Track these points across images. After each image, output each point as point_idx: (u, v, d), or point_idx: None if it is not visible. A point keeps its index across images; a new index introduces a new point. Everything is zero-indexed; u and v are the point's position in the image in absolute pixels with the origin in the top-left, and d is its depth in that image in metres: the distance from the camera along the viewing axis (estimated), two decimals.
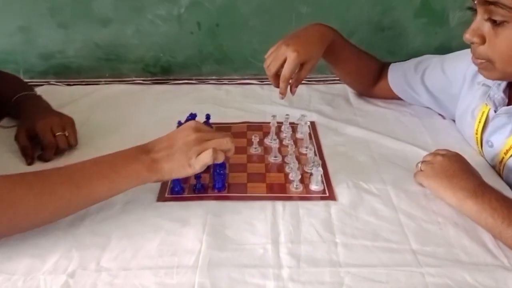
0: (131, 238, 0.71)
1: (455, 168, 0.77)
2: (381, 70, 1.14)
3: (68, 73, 1.32)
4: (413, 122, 1.07)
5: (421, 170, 0.81)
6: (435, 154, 0.82)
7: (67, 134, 0.93)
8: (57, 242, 0.70)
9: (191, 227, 0.73)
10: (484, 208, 0.70)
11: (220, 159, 0.75)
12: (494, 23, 0.76)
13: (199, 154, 0.73)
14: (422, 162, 0.82)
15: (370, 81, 1.14)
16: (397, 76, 1.10)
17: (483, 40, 0.79)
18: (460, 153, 0.82)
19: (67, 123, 0.94)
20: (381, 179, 0.85)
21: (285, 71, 0.96)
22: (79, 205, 0.71)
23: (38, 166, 0.89)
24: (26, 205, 0.65)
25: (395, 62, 1.14)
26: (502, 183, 0.84)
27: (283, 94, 0.99)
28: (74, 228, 0.72)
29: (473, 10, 0.80)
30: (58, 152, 0.92)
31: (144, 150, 0.74)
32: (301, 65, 0.98)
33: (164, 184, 0.83)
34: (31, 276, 0.64)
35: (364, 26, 1.29)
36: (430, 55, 1.10)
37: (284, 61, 0.96)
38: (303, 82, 1.05)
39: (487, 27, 0.78)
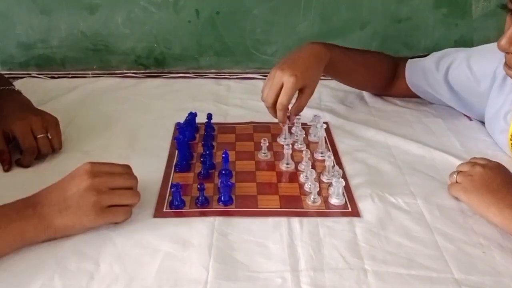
0: (124, 264, 0.61)
1: (499, 181, 0.68)
2: (396, 68, 1.05)
3: (51, 64, 1.23)
4: (437, 124, 0.99)
5: (457, 182, 0.72)
6: (473, 163, 0.73)
7: (50, 137, 0.83)
8: (38, 267, 0.60)
9: (194, 250, 0.63)
10: None
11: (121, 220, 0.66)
12: None
13: (98, 205, 0.63)
14: (458, 172, 0.73)
15: (383, 84, 1.05)
16: (416, 75, 1.01)
17: None
18: (496, 160, 0.73)
19: (50, 123, 0.84)
20: (410, 191, 0.76)
21: (282, 99, 0.84)
22: None
23: (17, 172, 0.80)
24: None
25: (412, 57, 1.05)
26: None
27: (282, 123, 0.88)
28: (57, 249, 0.63)
29: (508, 11, 0.71)
30: (40, 156, 0.82)
31: (30, 204, 0.63)
32: (300, 91, 0.87)
33: (161, 197, 0.73)
34: None
35: (378, 16, 1.21)
36: (452, 48, 1.01)
37: (281, 89, 0.85)
38: None
39: None
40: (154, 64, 1.24)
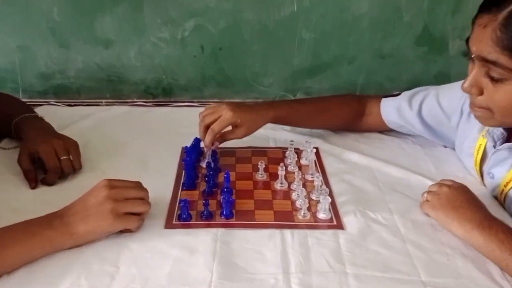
0: (140, 266, 0.71)
1: (462, 199, 0.79)
2: (365, 107, 1.13)
3: (68, 93, 1.34)
4: (415, 150, 1.09)
5: (427, 201, 0.83)
6: (440, 184, 0.84)
7: (71, 158, 0.93)
8: (67, 269, 0.70)
9: (200, 255, 0.74)
10: (491, 240, 0.72)
11: (134, 226, 0.76)
12: (493, 79, 0.77)
13: (115, 212, 0.73)
14: (428, 192, 0.84)
15: (349, 122, 1.13)
16: (391, 112, 1.10)
17: (481, 92, 0.80)
18: (462, 182, 0.84)
19: (71, 146, 0.95)
20: (388, 208, 0.87)
21: (215, 125, 0.96)
22: None
23: (42, 190, 0.90)
24: None
25: (384, 96, 1.13)
26: (504, 213, 0.86)
27: (207, 147, 0.98)
28: (82, 254, 0.73)
29: (470, 58, 0.81)
30: (62, 176, 0.92)
31: (58, 215, 0.74)
32: (235, 127, 0.99)
33: (171, 211, 0.83)
34: None
35: (364, 52, 1.32)
36: (421, 87, 1.10)
37: (219, 118, 0.97)
38: None
39: (486, 80, 0.78)
40: (162, 93, 1.35)
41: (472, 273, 0.72)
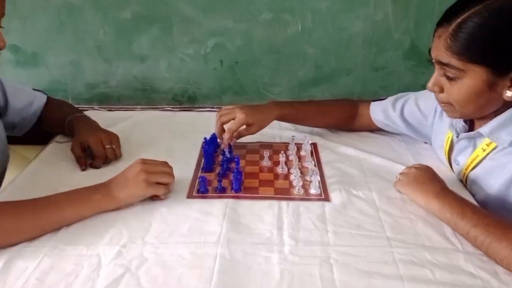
0: (167, 223, 0.91)
1: (425, 177, 0.97)
2: (357, 110, 1.29)
3: (109, 100, 1.56)
4: (399, 146, 1.26)
5: (399, 180, 1.01)
6: (410, 167, 1.01)
7: (114, 147, 1.13)
8: (110, 224, 0.89)
9: (213, 217, 0.93)
10: (445, 206, 0.89)
11: (161, 193, 0.96)
12: (449, 78, 0.94)
13: (146, 181, 0.92)
14: (401, 173, 1.02)
15: (344, 123, 1.30)
16: (378, 114, 1.27)
17: (442, 90, 0.97)
18: (436, 170, 1.00)
19: (114, 138, 1.16)
20: (368, 187, 1.04)
21: (232, 125, 1.14)
22: (54, 226, 0.87)
23: (90, 172, 1.10)
24: (10, 227, 0.83)
25: (373, 100, 1.31)
26: (466, 192, 1.02)
27: (224, 145, 1.15)
28: (123, 214, 0.92)
29: (432, 63, 0.98)
30: (106, 161, 1.12)
31: (104, 185, 0.93)
32: (248, 125, 1.17)
33: (192, 186, 1.03)
34: (93, 247, 0.83)
35: (360, 65, 1.51)
36: (403, 93, 1.27)
37: (233, 119, 1.16)
38: None
39: (444, 80, 0.96)
40: (187, 100, 1.56)
41: (428, 232, 0.88)
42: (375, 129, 1.32)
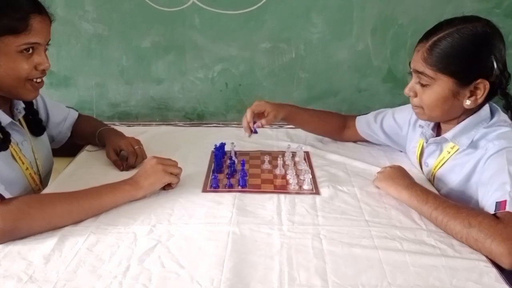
0: (187, 210, 1.07)
1: (397, 174, 1.15)
2: (345, 122, 1.48)
3: (128, 117, 1.74)
4: (379, 153, 1.44)
5: (377, 177, 1.19)
6: (385, 167, 1.20)
7: (141, 147, 1.31)
8: (140, 211, 1.06)
9: (224, 205, 1.10)
10: (413, 196, 1.07)
11: (175, 181, 1.14)
12: (422, 84, 1.14)
13: (164, 170, 1.10)
14: (378, 172, 1.20)
15: (335, 132, 1.49)
16: (363, 125, 1.46)
17: (416, 95, 1.16)
18: (407, 170, 1.18)
19: (138, 142, 1.34)
20: (352, 184, 1.22)
21: (253, 107, 1.37)
22: (95, 211, 1.02)
23: (119, 174, 1.26)
24: (61, 211, 0.98)
25: (359, 114, 1.49)
26: (430, 186, 1.20)
27: (252, 128, 1.36)
28: (149, 204, 1.09)
29: (411, 73, 1.19)
30: (137, 161, 1.28)
31: (131, 178, 1.10)
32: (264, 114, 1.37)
33: (206, 183, 1.20)
34: (128, 226, 1.00)
35: (346, 87, 1.70)
36: (383, 108, 1.46)
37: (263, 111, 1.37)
38: None
39: (418, 86, 1.15)
40: (196, 118, 1.74)
41: (400, 217, 1.05)
42: (359, 140, 1.50)
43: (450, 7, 1.59)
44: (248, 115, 1.37)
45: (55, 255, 0.91)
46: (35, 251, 0.92)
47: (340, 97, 1.71)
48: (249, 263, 0.89)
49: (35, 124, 1.26)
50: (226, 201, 1.12)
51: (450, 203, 1.01)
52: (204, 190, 1.18)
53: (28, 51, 1.04)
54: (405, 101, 1.66)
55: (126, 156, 1.30)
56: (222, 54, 1.65)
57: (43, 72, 1.10)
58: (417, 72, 1.12)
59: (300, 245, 0.95)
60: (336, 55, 1.66)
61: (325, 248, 0.94)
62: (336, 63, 1.67)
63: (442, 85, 1.09)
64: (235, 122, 1.73)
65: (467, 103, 1.09)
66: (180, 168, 1.16)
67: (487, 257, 0.91)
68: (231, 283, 0.83)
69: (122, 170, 1.27)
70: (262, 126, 1.38)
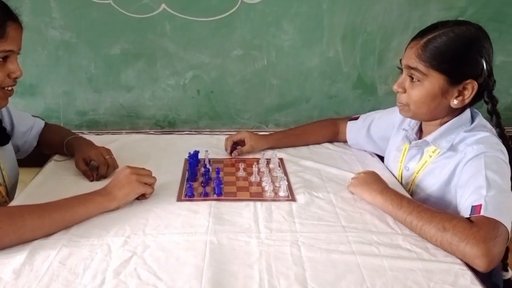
0: (162, 220, 1.05)
1: (371, 179, 1.16)
2: (337, 128, 1.53)
3: (97, 126, 1.70)
4: (352, 159, 1.46)
5: (351, 183, 1.20)
6: (359, 173, 1.21)
7: (112, 157, 1.28)
8: (114, 222, 1.03)
9: (201, 214, 1.08)
10: (387, 200, 1.08)
11: (149, 191, 1.12)
12: (412, 80, 1.14)
13: (138, 180, 1.08)
14: (352, 178, 1.22)
15: (328, 139, 1.55)
16: (352, 132, 1.50)
17: (404, 90, 1.17)
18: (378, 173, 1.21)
19: (109, 151, 1.30)
20: (326, 190, 1.22)
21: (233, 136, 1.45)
22: (66, 224, 0.99)
23: (90, 184, 1.22)
24: (32, 224, 0.94)
25: (351, 118, 1.52)
26: (403, 190, 1.21)
27: (230, 152, 1.43)
28: (123, 214, 1.06)
29: (401, 70, 1.19)
30: (108, 171, 1.25)
31: (103, 189, 1.07)
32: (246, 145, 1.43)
33: (180, 191, 1.19)
34: (101, 238, 0.97)
35: (317, 94, 1.71)
36: (372, 112, 1.49)
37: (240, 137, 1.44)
38: None
39: (408, 82, 1.15)
40: (168, 125, 1.71)
41: (375, 222, 1.07)
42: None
43: (416, 15, 1.63)
44: (228, 144, 1.43)
45: (25, 269, 0.87)
46: (4, 266, 0.88)
47: (311, 104, 1.73)
48: (228, 272, 0.88)
49: (0, 133, 1.21)
50: (202, 209, 1.11)
51: (424, 207, 1.03)
52: (179, 199, 1.16)
53: (3, 59, 1.02)
54: (374, 107, 1.72)
55: (96, 166, 1.26)
56: (194, 61, 1.64)
57: (15, 80, 1.07)
58: (410, 68, 1.13)
59: (279, 252, 0.94)
60: (307, 62, 1.67)
61: (303, 255, 0.94)
62: (307, 69, 1.68)
63: (433, 81, 1.11)
64: (207, 130, 1.72)
65: (454, 102, 1.12)
66: (154, 178, 1.14)
67: (461, 260, 0.93)
68: None
69: (92, 181, 1.23)
70: (239, 155, 1.42)
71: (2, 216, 0.93)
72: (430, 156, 1.19)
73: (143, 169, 1.14)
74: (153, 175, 1.16)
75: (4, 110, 1.29)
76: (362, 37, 1.64)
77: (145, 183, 1.11)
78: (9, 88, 1.08)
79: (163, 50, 1.61)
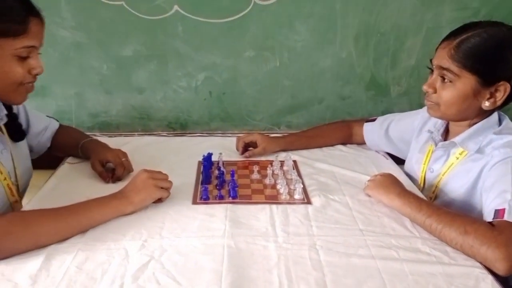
0: (178, 223, 1.05)
1: (388, 181, 1.15)
2: (350, 130, 1.53)
3: (109, 128, 1.69)
4: (366, 161, 1.45)
5: (368, 185, 1.19)
6: (376, 175, 1.20)
7: (128, 160, 1.28)
8: (130, 225, 1.03)
9: (217, 217, 1.08)
10: (405, 203, 1.07)
11: (165, 196, 1.12)
12: (443, 81, 1.12)
13: (155, 185, 1.08)
14: (368, 180, 1.20)
15: (341, 141, 1.54)
16: (370, 134, 1.48)
17: (435, 91, 1.14)
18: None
19: (125, 154, 1.30)
20: (342, 193, 1.21)
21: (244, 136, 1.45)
22: (82, 228, 0.99)
23: (104, 186, 1.22)
24: (47, 229, 0.95)
25: (367, 120, 1.51)
26: (420, 193, 1.20)
27: (241, 153, 1.44)
28: (139, 218, 1.06)
29: (431, 70, 1.17)
30: (124, 173, 1.25)
31: (120, 192, 1.07)
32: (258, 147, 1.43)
33: (195, 194, 1.18)
34: (118, 242, 0.97)
35: (330, 95, 1.70)
36: (390, 114, 1.48)
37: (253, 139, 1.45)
38: None
39: (439, 82, 1.13)
40: (179, 127, 1.71)
41: (393, 225, 1.06)
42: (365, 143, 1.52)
43: (429, 16, 1.62)
44: (239, 144, 1.44)
45: (42, 275, 0.87)
46: (20, 271, 0.88)
47: (324, 105, 1.72)
48: (248, 277, 0.87)
49: (16, 129, 1.20)
50: (218, 213, 1.10)
51: (444, 210, 1.02)
52: (194, 202, 1.15)
53: (24, 54, 1.01)
54: (387, 108, 1.72)
55: (112, 168, 1.26)
56: (206, 63, 1.63)
57: (35, 77, 1.07)
58: (442, 68, 1.12)
59: (297, 256, 0.94)
60: (320, 63, 1.66)
61: (322, 259, 0.93)
62: (319, 71, 1.67)
63: (465, 82, 1.09)
64: (219, 132, 1.71)
65: (486, 104, 1.10)
66: (170, 182, 1.14)
67: (481, 263, 0.91)
68: None
69: (108, 182, 1.23)
70: (249, 157, 1.42)
71: (17, 221, 0.93)
72: (457, 158, 1.17)
73: (160, 172, 1.14)
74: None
75: (20, 107, 1.28)
76: (375, 37, 1.63)
77: (162, 188, 1.10)
78: (30, 84, 1.07)
79: (175, 52, 1.60)
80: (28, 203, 1.16)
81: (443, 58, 1.11)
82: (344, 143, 1.55)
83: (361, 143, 1.54)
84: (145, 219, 1.06)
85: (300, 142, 1.50)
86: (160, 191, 1.10)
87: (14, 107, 1.23)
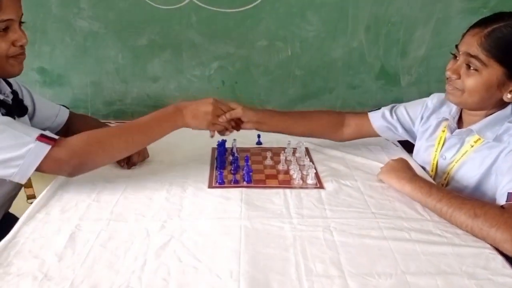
0: (196, 206, 1.08)
1: (400, 166, 1.17)
2: (341, 120, 1.41)
3: (124, 116, 1.72)
4: (376, 149, 1.46)
5: (381, 170, 1.21)
6: (389, 160, 1.22)
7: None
8: (149, 208, 1.06)
9: (233, 200, 1.10)
10: (416, 188, 1.09)
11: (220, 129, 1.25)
12: (468, 68, 1.09)
13: (211, 121, 1.20)
14: (382, 167, 1.22)
15: (329, 133, 1.42)
16: (379, 120, 1.41)
17: (459, 77, 1.11)
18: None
19: None
20: (354, 178, 1.24)
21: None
22: (146, 143, 1.16)
23: (124, 171, 1.26)
24: (118, 146, 1.10)
25: (370, 110, 1.47)
26: (430, 178, 1.22)
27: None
28: (157, 200, 1.09)
29: (454, 56, 1.14)
30: (139, 159, 1.28)
31: (180, 110, 1.18)
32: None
33: (211, 179, 1.21)
34: (139, 223, 1.00)
35: (340, 84, 1.72)
36: (395, 103, 1.44)
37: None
38: None
39: (463, 69, 1.10)
40: None
41: (404, 209, 1.08)
42: (357, 138, 1.48)
43: (439, 6, 1.63)
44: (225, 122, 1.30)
45: (67, 252, 0.90)
46: (46, 249, 0.91)
47: (334, 94, 1.73)
48: (265, 255, 0.89)
49: (17, 104, 1.19)
50: (233, 196, 1.13)
51: (454, 195, 1.04)
52: (210, 186, 1.18)
53: (3, 29, 1.01)
54: (397, 97, 1.73)
55: None
56: (219, 52, 1.65)
57: (22, 47, 1.07)
58: (469, 55, 1.09)
59: (312, 237, 0.96)
60: (331, 53, 1.67)
61: (336, 240, 0.95)
62: (330, 60, 1.68)
63: (491, 72, 1.08)
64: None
65: (508, 96, 1.10)
66: (230, 123, 1.27)
67: (491, 245, 0.94)
68: (250, 275, 0.83)
69: (123, 167, 1.26)
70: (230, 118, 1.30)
71: (93, 141, 1.07)
72: (472, 146, 1.17)
73: (227, 105, 1.26)
74: (181, 163, 1.21)
75: (24, 90, 1.28)
76: (385, 27, 1.64)
77: (215, 124, 1.22)
78: (21, 56, 1.07)
79: (189, 41, 1.62)
80: (56, 180, 1.18)
81: (472, 45, 1.09)
82: (331, 132, 1.43)
83: (353, 137, 1.45)
84: (164, 202, 1.09)
85: (279, 120, 1.36)
86: (213, 126, 1.23)
87: (19, 92, 1.23)
